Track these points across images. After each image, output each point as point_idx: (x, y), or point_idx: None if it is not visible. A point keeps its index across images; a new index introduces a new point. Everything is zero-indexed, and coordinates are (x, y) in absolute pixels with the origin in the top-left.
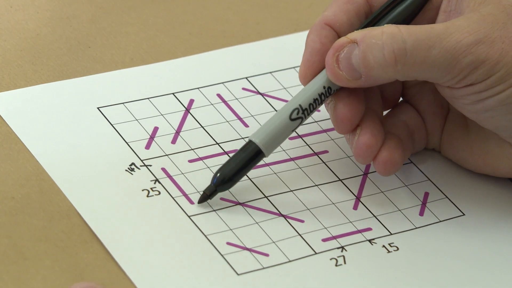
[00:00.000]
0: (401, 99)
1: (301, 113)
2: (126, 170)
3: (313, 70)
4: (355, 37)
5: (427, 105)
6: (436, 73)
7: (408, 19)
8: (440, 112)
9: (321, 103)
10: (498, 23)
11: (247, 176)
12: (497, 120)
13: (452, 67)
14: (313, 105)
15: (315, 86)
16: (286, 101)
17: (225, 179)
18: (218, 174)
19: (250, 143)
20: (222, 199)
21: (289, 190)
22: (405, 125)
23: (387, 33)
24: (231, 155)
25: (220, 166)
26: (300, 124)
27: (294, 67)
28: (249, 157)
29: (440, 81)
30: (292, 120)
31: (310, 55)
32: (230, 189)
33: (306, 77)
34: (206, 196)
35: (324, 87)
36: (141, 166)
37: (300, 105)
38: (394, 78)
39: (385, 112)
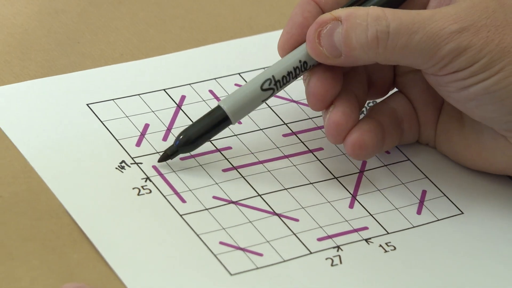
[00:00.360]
0: (395, 89)
1: (273, 84)
2: (116, 168)
3: (292, 43)
4: (340, 14)
5: (419, 94)
6: (417, 59)
7: (396, 2)
8: (433, 102)
9: (296, 77)
10: (488, 11)
11: (240, 174)
12: (483, 110)
13: (433, 53)
14: (287, 78)
15: (291, 59)
16: (280, 97)
17: (188, 141)
18: (181, 136)
19: (217, 108)
20: (214, 197)
21: (283, 188)
22: (393, 113)
23: (372, 15)
24: (224, 152)
25: (185, 128)
26: (271, 96)
27: None
28: (214, 122)
29: (422, 67)
30: (263, 90)
31: (291, 27)
32: (223, 187)
33: (284, 49)
34: (166, 155)
35: (300, 61)
36: (131, 164)
37: (273, 76)
38: (374, 61)
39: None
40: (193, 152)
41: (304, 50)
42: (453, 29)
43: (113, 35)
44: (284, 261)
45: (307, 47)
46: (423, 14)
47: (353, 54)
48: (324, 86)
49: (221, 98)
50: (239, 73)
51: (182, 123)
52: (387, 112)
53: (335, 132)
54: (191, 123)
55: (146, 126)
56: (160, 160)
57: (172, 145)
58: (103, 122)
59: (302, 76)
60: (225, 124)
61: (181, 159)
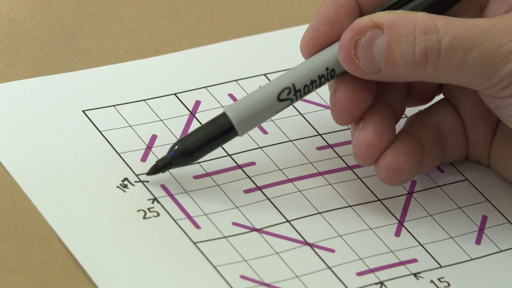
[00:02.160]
0: (442, 96)
1: (292, 95)
2: (118, 187)
3: (318, 43)
4: (382, 21)
5: (471, 107)
6: (472, 79)
7: (450, 3)
8: (487, 119)
9: (319, 86)
10: None
11: (265, 195)
12: None
13: (491, 74)
14: (309, 88)
15: (316, 64)
16: (314, 103)
17: (184, 153)
18: (177, 146)
19: (222, 115)
20: (234, 223)
21: (317, 212)
22: (437, 128)
23: (421, 26)
24: (246, 169)
25: (182, 137)
26: (288, 106)
27: None
28: (218, 132)
29: (478, 88)
30: (280, 100)
31: (319, 23)
32: (245, 213)
33: (308, 49)
34: (157, 168)
35: (327, 69)
36: (136, 182)
37: (293, 85)
38: (419, 79)
39: (419, 108)
40: (209, 170)
41: (332, 54)
42: None
43: (117, 28)
44: None
45: (339, 57)
46: (480, 25)
47: (395, 71)
48: (353, 98)
49: None
50: (264, 74)
51: None
52: (429, 127)
53: (365, 154)
54: None
55: (154, 137)
56: (149, 173)
57: (165, 155)
58: (102, 132)
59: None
60: (230, 135)
61: (195, 177)
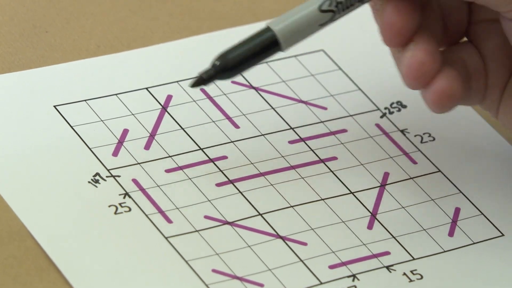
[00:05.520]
0: (465, 39)
1: (334, 5)
2: (89, 182)
3: None
4: None
5: (493, 50)
6: None
7: None
8: (507, 63)
9: (362, 1)
10: None
11: (237, 189)
12: None
13: None
14: (351, 0)
15: None
16: (285, 96)
17: (227, 66)
18: (219, 59)
19: (267, 29)
20: (206, 217)
21: (289, 205)
22: (464, 65)
23: None
24: (218, 163)
25: (223, 50)
26: (330, 21)
27: (295, 56)
28: (262, 46)
29: (501, 9)
30: (322, 11)
31: None
32: (217, 206)
33: None
34: (201, 80)
35: None
36: (107, 177)
37: None
38: None
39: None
40: (180, 163)
41: None
42: None
43: (89, 23)
44: None
45: None
46: None
47: None
48: (402, 16)
49: (215, 99)
50: None
51: (168, 128)
52: (459, 63)
53: (418, 73)
54: (178, 128)
55: (125, 132)
56: (193, 85)
57: (209, 68)
58: (73, 127)
59: (370, 10)
60: (273, 50)
61: (167, 171)
